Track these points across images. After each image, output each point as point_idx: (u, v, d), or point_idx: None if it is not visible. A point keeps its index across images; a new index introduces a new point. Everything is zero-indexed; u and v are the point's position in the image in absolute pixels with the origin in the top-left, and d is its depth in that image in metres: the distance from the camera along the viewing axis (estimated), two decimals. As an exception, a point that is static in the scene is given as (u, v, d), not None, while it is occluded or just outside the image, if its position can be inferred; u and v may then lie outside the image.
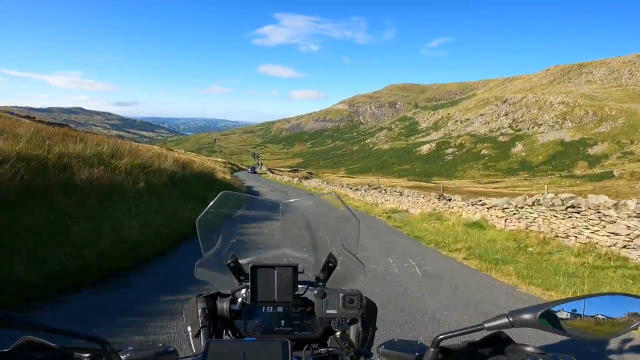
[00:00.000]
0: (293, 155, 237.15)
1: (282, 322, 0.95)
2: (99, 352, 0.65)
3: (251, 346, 0.73)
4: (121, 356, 0.67)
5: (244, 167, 77.26)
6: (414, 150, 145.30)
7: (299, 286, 1.00)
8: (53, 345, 0.63)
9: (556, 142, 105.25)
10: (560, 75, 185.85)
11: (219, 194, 1.17)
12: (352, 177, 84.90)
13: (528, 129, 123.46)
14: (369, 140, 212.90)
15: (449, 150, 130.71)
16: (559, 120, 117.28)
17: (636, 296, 0.64)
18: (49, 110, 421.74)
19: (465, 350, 0.73)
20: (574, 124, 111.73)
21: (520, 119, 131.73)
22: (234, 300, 0.97)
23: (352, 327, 0.90)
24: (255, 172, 61.00)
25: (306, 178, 50.17)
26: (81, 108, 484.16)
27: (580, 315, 0.63)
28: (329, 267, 1.08)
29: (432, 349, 0.68)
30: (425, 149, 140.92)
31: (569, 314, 0.63)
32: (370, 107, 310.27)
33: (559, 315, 0.63)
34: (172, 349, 0.74)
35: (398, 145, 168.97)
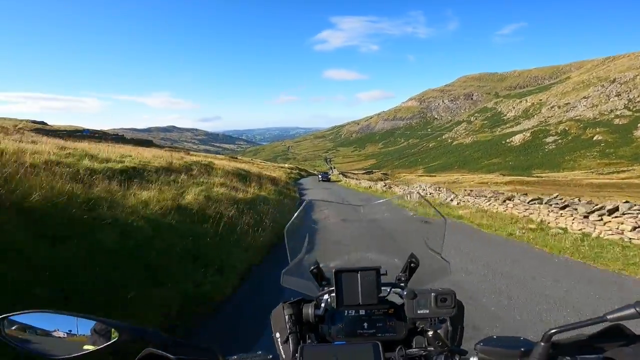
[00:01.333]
0: (365, 157, 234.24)
1: (365, 324, 0.95)
2: None
3: (343, 349, 0.72)
4: None
5: (315, 172, 72.46)
6: (503, 142, 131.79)
7: (383, 288, 1.00)
8: (172, 358, 0.66)
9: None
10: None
11: (304, 203, 1.20)
12: (432, 176, 79.10)
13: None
14: (447, 135, 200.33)
15: (550, 139, 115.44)
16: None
17: None
18: (149, 130, 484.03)
19: (579, 345, 0.68)
20: None
21: (638, 99, 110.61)
22: (317, 306, 0.97)
23: (442, 326, 0.89)
24: (327, 179, 42.97)
25: (381, 180, 47.09)
26: (174, 126, 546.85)
27: None
28: (410, 267, 1.08)
29: (542, 344, 0.64)
30: (517, 139, 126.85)
31: None
32: (443, 101, 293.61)
33: None
34: (271, 356, 0.78)
35: (482, 138, 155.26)
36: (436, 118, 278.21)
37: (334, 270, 0.97)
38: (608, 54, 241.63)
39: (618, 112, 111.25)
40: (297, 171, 54.78)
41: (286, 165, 63.29)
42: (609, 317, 0.60)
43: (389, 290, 1.03)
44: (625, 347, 0.63)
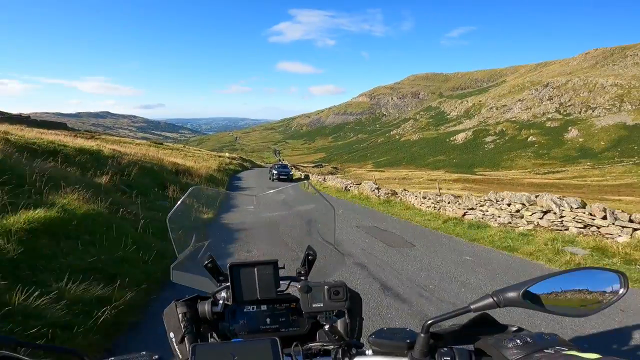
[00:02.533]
0: (315, 150, 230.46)
1: (268, 320, 0.93)
2: None
3: (239, 347, 0.70)
4: None
5: (263, 164, 64.20)
6: (447, 140, 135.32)
7: (282, 282, 0.97)
8: None
9: (618, 126, 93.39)
10: (603, 59, 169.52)
11: (189, 189, 1.12)
12: (381, 171, 77.02)
13: (580, 113, 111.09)
14: (394, 131, 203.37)
15: (489, 139, 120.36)
16: (615, 103, 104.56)
17: (610, 270, 0.67)
18: (78, 115, 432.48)
19: (454, 334, 0.74)
20: (633, 107, 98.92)
21: (569, 103, 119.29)
22: (215, 302, 0.93)
23: (339, 319, 0.89)
24: (287, 177, 24.42)
25: (332, 174, 42.81)
26: (108, 112, 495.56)
27: (560, 290, 0.65)
28: (308, 260, 1.06)
29: (422, 335, 0.68)
30: (460, 137, 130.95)
31: (551, 291, 0.65)
32: (392, 98, 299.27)
33: (541, 291, 0.64)
34: (157, 356, 0.72)
35: (428, 135, 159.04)
36: (385, 114, 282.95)
37: (228, 265, 0.93)
38: (541, 60, 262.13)
39: (550, 115, 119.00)
40: (240, 162, 46.15)
41: (226, 154, 54.70)
42: (472, 307, 0.65)
43: (288, 283, 1.00)
44: (490, 336, 0.69)
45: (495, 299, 0.64)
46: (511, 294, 0.63)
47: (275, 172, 24.75)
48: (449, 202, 10.11)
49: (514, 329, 0.71)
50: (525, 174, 70.25)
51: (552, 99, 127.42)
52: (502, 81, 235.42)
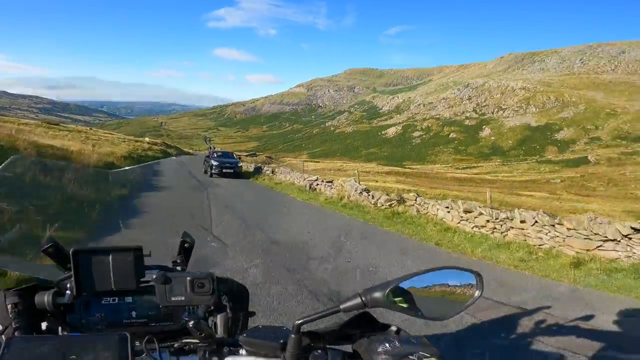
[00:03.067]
0: (249, 138, 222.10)
1: (133, 313, 0.83)
2: None
3: (75, 342, 0.60)
4: None
5: (191, 151, 56.45)
6: (379, 134, 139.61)
7: (149, 272, 0.87)
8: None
9: (523, 127, 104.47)
10: (514, 63, 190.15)
11: (10, 159, 0.94)
12: (316, 162, 75.91)
13: (492, 113, 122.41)
14: (330, 123, 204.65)
15: (416, 134, 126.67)
16: (522, 105, 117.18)
17: (469, 270, 0.68)
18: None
19: (332, 333, 0.71)
20: (537, 109, 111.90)
21: (484, 104, 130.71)
22: (60, 293, 0.82)
23: (219, 314, 0.82)
24: (233, 171, 17.04)
25: (266, 163, 39.80)
26: (5, 92, 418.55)
27: (425, 287, 0.65)
28: (185, 247, 0.97)
29: (293, 336, 0.65)
30: (391, 132, 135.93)
31: (416, 289, 0.64)
32: (329, 90, 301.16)
33: (407, 291, 0.64)
34: None
35: (362, 128, 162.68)
36: (321, 106, 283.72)
37: (71, 251, 0.82)
38: (464, 62, 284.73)
39: (468, 114, 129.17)
40: (163, 148, 39.41)
41: (146, 139, 47.37)
42: (341, 307, 0.63)
43: (157, 273, 0.89)
44: (366, 337, 0.66)
45: (363, 298, 0.62)
46: (377, 294, 0.62)
47: (215, 163, 16.78)
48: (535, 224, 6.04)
49: (394, 329, 0.68)
50: (447, 169, 74.64)
51: (470, 99, 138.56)
52: (429, 80, 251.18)
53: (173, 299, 0.76)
